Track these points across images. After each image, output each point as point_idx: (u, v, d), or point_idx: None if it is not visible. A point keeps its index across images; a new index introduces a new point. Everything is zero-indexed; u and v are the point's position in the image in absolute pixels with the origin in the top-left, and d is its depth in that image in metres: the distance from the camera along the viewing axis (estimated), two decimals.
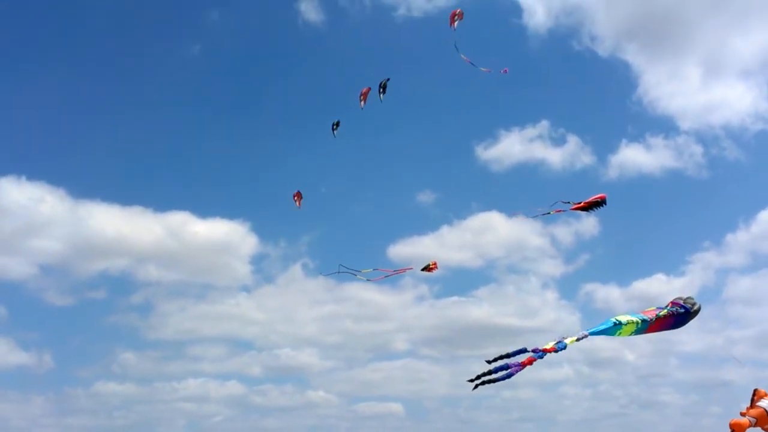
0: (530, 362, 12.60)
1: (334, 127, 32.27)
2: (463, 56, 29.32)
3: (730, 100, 59.88)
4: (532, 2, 65.35)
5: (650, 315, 14.29)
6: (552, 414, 60.43)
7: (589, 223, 59.27)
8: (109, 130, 71.59)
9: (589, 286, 61.10)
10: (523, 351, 12.64)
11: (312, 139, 68.58)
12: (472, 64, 29.49)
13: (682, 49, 61.56)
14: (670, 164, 59.65)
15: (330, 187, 66.81)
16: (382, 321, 63.95)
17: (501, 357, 12.53)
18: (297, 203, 33.06)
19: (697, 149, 59.81)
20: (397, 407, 60.62)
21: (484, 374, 12.59)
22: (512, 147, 63.78)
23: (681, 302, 14.84)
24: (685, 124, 60.17)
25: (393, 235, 67.09)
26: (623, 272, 63.22)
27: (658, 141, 60.58)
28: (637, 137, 62.57)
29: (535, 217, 22.95)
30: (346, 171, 68.29)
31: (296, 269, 65.13)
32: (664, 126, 61.10)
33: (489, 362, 12.60)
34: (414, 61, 68.22)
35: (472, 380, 12.65)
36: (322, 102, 69.35)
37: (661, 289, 56.56)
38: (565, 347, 12.95)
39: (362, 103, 31.76)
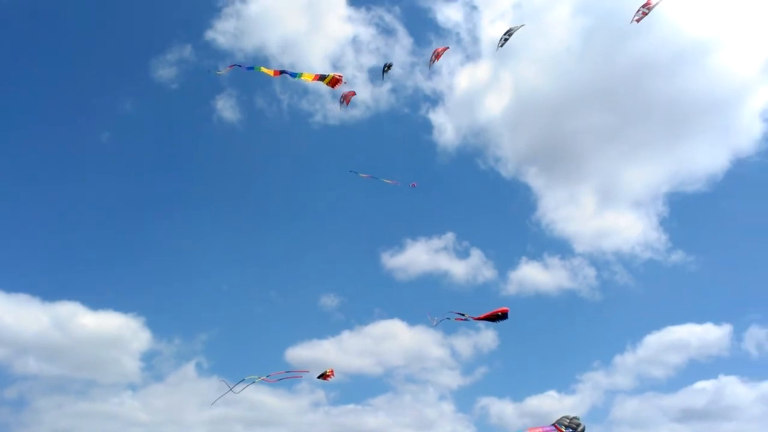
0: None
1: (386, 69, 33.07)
2: (362, 174, 31.48)
3: (621, 228, 64.76)
4: (442, 121, 70.00)
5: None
6: None
7: (488, 336, 61.74)
8: None
9: (485, 400, 62.13)
10: None
11: (216, 235, 69.26)
12: (375, 177, 31.70)
13: (578, 177, 66.94)
14: (565, 284, 63.36)
15: (232, 284, 66.76)
16: (275, 426, 62.46)
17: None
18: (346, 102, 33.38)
19: (591, 272, 63.76)
20: None
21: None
22: (418, 257, 66.28)
23: (567, 422, 16.62)
24: (579, 247, 64.39)
25: (293, 338, 67.07)
26: (518, 387, 64.91)
27: (555, 261, 64.37)
28: (535, 256, 66.14)
29: (440, 320, 24.15)
30: (250, 269, 68.60)
31: (189, 368, 63.19)
32: (561, 247, 65.22)
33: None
34: (327, 168, 71.04)
35: None
36: (229, 198, 70.93)
37: (553, 407, 58.29)
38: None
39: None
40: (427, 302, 65.29)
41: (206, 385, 59.72)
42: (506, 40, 31.65)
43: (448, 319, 22.32)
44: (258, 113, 72.59)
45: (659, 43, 60.61)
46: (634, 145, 64.09)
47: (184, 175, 74.50)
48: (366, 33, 70.94)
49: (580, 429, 16.59)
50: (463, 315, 22.31)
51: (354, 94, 32.80)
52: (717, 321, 57.12)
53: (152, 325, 60.28)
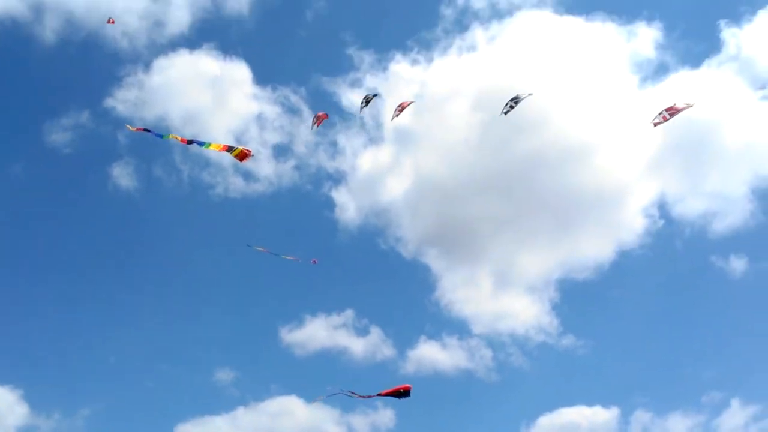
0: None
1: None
2: (259, 248, 32.08)
3: (516, 311, 66.93)
4: (345, 199, 70.52)
5: None
6: None
7: (386, 415, 61.91)
8: None
9: None
10: None
11: (105, 303, 67.25)
12: (274, 253, 32.32)
13: (476, 260, 69.25)
14: (462, 364, 64.52)
15: (120, 356, 64.54)
16: None
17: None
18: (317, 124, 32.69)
19: (487, 353, 65.37)
20: None
21: None
22: (317, 333, 66.35)
23: None
24: (477, 328, 65.99)
25: (184, 414, 65.15)
26: None
27: (453, 341, 65.69)
28: (434, 335, 67.29)
29: (333, 394, 24.85)
30: (140, 341, 66.53)
31: None
32: (459, 328, 66.56)
33: None
34: (226, 241, 70.75)
35: None
36: (122, 267, 69.42)
37: None
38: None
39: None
40: (326, 379, 64.93)
41: None
42: (512, 107, 33.52)
43: (352, 395, 22.54)
44: (156, 182, 71.67)
45: (550, 142, 64.86)
46: (528, 233, 67.29)
47: (73, 240, 71.89)
48: (271, 111, 72.13)
49: None
50: (354, 393, 22.66)
51: (326, 116, 33.70)
52: (605, 404, 59.31)
53: (30, 398, 57.08)
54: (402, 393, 22.05)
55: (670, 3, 73.32)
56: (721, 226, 61.83)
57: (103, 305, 66.77)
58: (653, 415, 58.46)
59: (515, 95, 33.14)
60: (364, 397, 22.68)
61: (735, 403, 56.65)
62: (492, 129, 65.39)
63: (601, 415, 56.90)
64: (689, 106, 28.73)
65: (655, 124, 29.07)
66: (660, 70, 71.24)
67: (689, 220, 63.46)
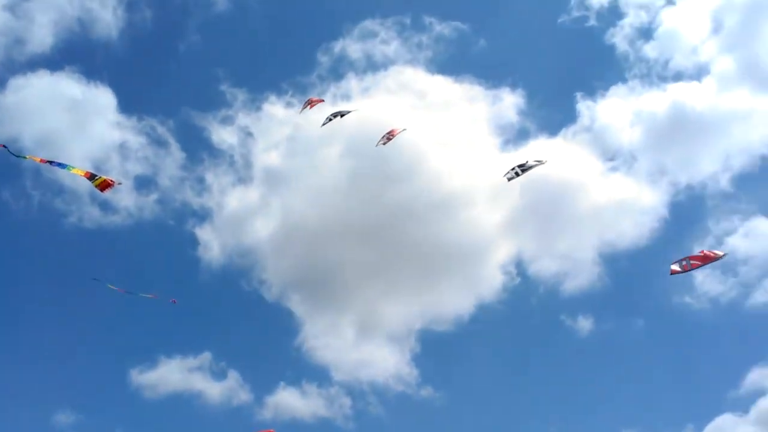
0: None
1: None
2: (111, 286, 30.43)
3: (377, 361, 67.15)
4: (209, 237, 68.98)
5: None
6: None
7: None
8: None
9: None
10: None
11: None
12: (129, 292, 30.65)
13: (340, 307, 69.12)
14: (321, 412, 63.64)
15: None
16: None
17: None
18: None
19: (347, 401, 64.91)
20: None
21: None
22: (171, 375, 63.32)
23: None
24: (337, 376, 65.55)
25: None
26: None
27: (312, 388, 64.76)
28: (294, 382, 66.16)
29: None
30: None
31: None
32: (319, 375, 65.90)
33: None
34: (78, 273, 66.63)
35: None
36: None
37: None
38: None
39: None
40: (177, 423, 61.56)
41: None
42: (517, 174, 30.51)
43: None
44: (2, 206, 66.65)
45: (418, 194, 66.81)
46: (392, 283, 68.09)
47: None
48: (135, 141, 69.58)
49: None
50: None
51: (322, 101, 32.52)
52: None
53: None
54: None
55: (534, 72, 78.34)
56: (571, 286, 65.48)
57: None
58: None
59: (526, 161, 31.02)
60: None
61: None
62: (362, 177, 66.58)
63: None
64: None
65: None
66: (521, 135, 75.29)
67: (543, 279, 66.77)
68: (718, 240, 64.01)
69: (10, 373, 63.21)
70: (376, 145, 32.07)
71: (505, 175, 30.33)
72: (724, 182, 66.23)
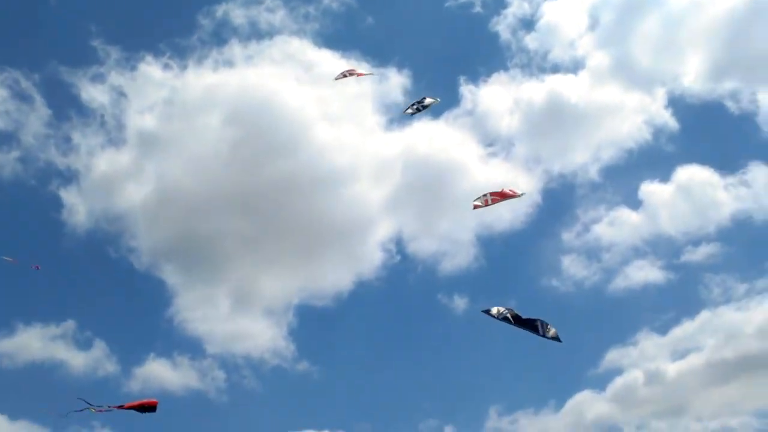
0: None
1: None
2: None
3: (253, 334, 66.01)
4: (74, 201, 64.97)
5: None
6: None
7: None
8: None
9: None
10: None
11: None
12: None
13: (216, 279, 67.20)
14: (193, 384, 61.94)
15: None
16: None
17: None
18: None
19: (220, 374, 63.51)
20: None
21: None
22: (30, 343, 59.33)
23: None
24: (211, 349, 64.00)
25: None
26: None
27: (184, 360, 62.86)
28: (165, 353, 64.01)
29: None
30: None
31: None
32: (192, 347, 64.09)
33: None
34: None
35: None
36: None
37: None
38: None
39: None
40: (37, 394, 57.66)
41: None
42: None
43: (90, 408, 19.61)
44: None
45: (301, 168, 65.81)
46: (271, 256, 66.88)
47: None
48: None
49: None
50: (92, 406, 19.82)
51: (362, 74, 31.09)
52: (333, 427, 60.15)
53: None
54: (147, 407, 19.97)
55: (420, 53, 78.59)
56: (449, 266, 66.96)
57: None
58: None
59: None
60: (102, 410, 20.03)
61: (448, 429, 60.88)
62: (244, 147, 64.82)
63: None
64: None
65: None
66: (405, 115, 76.07)
67: (422, 258, 67.85)
68: (585, 227, 67.71)
69: None
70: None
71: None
72: (593, 173, 69.82)
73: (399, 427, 63.10)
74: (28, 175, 64.81)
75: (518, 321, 24.05)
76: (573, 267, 66.31)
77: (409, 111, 30.92)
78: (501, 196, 28.16)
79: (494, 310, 24.14)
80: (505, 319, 24.26)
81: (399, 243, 67.61)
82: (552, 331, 23.90)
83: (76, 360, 58.67)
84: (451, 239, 67.83)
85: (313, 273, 67.21)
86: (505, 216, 67.45)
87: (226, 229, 65.08)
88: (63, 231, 63.92)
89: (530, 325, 24.03)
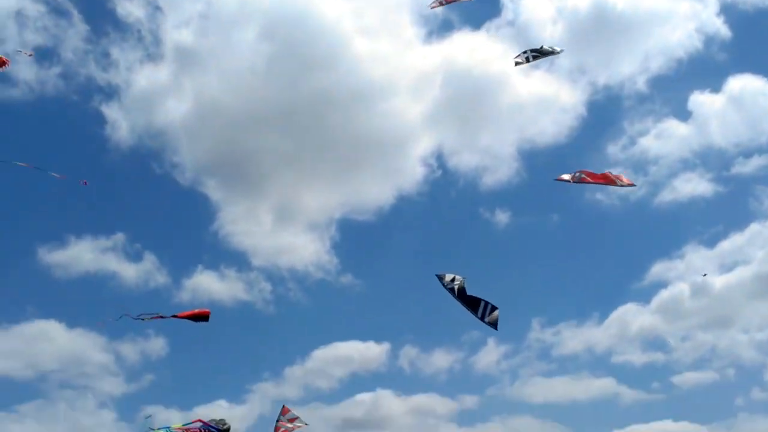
0: None
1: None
2: (18, 163, 27.94)
3: (297, 247, 67.04)
4: (116, 116, 64.77)
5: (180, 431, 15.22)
6: None
7: (157, 344, 59.17)
8: None
9: (151, 409, 59.11)
10: None
11: None
12: (40, 169, 28.22)
13: (258, 194, 67.80)
14: (241, 296, 63.53)
15: None
16: None
17: None
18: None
19: (266, 286, 64.97)
20: None
21: None
22: (82, 255, 61.17)
23: (215, 422, 16.09)
24: (256, 261, 65.27)
25: None
26: (187, 396, 63.43)
27: (231, 273, 64.32)
28: (212, 266, 65.59)
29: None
30: None
31: None
32: (238, 260, 65.53)
33: None
34: None
35: None
36: None
37: (222, 416, 57.54)
38: None
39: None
40: (92, 304, 60.15)
41: None
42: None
43: (141, 319, 20.17)
44: None
45: (339, 82, 64.52)
46: (311, 171, 66.84)
47: None
48: (33, 9, 62.60)
49: (225, 427, 16.08)
50: (146, 315, 20.34)
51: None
52: (377, 339, 61.56)
53: None
54: (200, 317, 20.33)
55: None
56: (490, 180, 66.18)
57: None
58: (419, 350, 61.87)
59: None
60: (156, 317, 20.50)
61: (491, 341, 61.66)
62: (280, 61, 63.49)
63: (374, 349, 58.85)
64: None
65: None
66: (444, 27, 74.00)
67: (463, 173, 67.11)
68: (631, 140, 65.89)
69: None
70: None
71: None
72: (641, 84, 67.44)
73: (441, 338, 64.17)
74: (70, 90, 64.98)
75: (461, 296, 22.54)
76: None
77: (519, 60, 27.30)
78: (595, 178, 26.05)
79: (448, 277, 22.96)
80: (451, 290, 22.76)
81: (440, 157, 66.82)
82: (494, 315, 22.06)
83: (128, 271, 60.49)
84: (492, 153, 66.78)
85: (354, 188, 67.26)
86: (548, 130, 65.99)
87: (266, 145, 65.03)
88: (107, 147, 64.68)
89: (473, 304, 22.37)
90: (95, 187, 62.98)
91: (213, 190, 64.70)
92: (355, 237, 68.80)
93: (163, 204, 69.13)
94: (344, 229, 66.42)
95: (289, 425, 16.14)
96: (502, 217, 66.13)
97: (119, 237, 60.97)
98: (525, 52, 27.20)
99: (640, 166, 65.15)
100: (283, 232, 66.63)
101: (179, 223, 69.52)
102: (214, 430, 15.85)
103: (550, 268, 64.45)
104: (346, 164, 66.20)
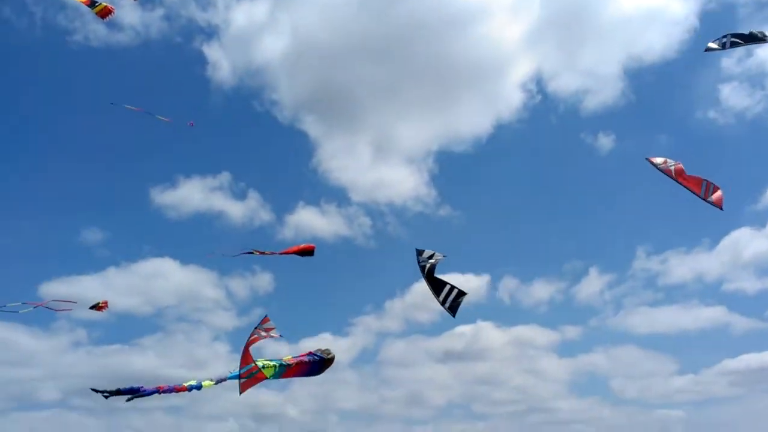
0: (163, 390, 12.85)
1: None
2: (128, 107, 28.83)
3: (395, 182, 67.26)
4: (218, 56, 66.04)
5: (288, 360, 15.70)
6: None
7: (264, 279, 61.63)
8: None
9: (261, 342, 62.04)
10: (155, 392, 12.84)
11: None
12: (149, 113, 29.15)
13: (355, 128, 68.00)
14: (341, 231, 64.82)
15: None
16: (27, 366, 57.55)
17: (128, 392, 12.58)
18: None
19: (366, 221, 65.85)
20: None
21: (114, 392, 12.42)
22: (192, 195, 63.84)
23: (320, 351, 16.52)
24: (355, 197, 66.02)
25: (48, 272, 62.01)
26: (293, 330, 66.01)
27: (331, 208, 65.50)
28: (313, 202, 66.98)
29: (241, 254, 22.33)
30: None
31: None
32: (337, 195, 66.46)
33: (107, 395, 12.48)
34: (87, 94, 65.14)
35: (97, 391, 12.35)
36: None
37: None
38: (200, 388, 13.54)
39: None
40: (202, 242, 63.35)
41: None
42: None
43: (250, 253, 20.99)
44: (4, 24, 63.70)
45: (433, 7, 62.74)
46: (407, 103, 66.27)
47: None
48: None
49: (330, 356, 16.55)
50: (256, 251, 21.10)
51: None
52: (477, 271, 61.64)
53: None
54: (305, 252, 20.82)
55: None
56: (592, 103, 63.41)
57: None
58: (519, 281, 61.59)
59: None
60: (265, 253, 21.19)
61: (593, 271, 60.48)
62: None
63: (473, 281, 58.90)
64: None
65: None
66: None
67: (564, 96, 64.57)
68: (748, 51, 60.87)
69: (34, 193, 64.32)
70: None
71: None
72: None
73: (542, 269, 63.47)
74: (173, 32, 66.64)
75: (429, 277, 20.71)
76: (733, 96, 61.07)
77: (714, 46, 22.91)
78: (692, 183, 21.65)
79: (426, 253, 21.50)
80: (422, 267, 20.64)
81: (539, 82, 64.34)
82: (457, 301, 19.99)
83: (234, 209, 62.84)
84: (596, 74, 63.56)
85: (451, 118, 66.21)
86: (655, 45, 62.13)
87: (363, 77, 64.70)
88: (209, 87, 66.38)
89: (437, 288, 20.40)
90: (201, 127, 65.16)
91: (311, 125, 65.54)
92: (453, 168, 68.31)
93: (264, 142, 70.83)
94: (442, 161, 65.99)
95: (264, 334, 16.42)
96: (605, 141, 63.56)
97: (225, 176, 63.24)
98: (725, 37, 22.82)
99: (756, 80, 60.71)
100: (381, 166, 66.97)
101: (280, 160, 71.15)
102: (318, 358, 16.22)
103: (656, 193, 61.73)
104: (442, 93, 65.14)
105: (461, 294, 20.10)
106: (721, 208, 21.06)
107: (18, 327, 53.30)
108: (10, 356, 54.72)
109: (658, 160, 21.63)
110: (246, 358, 15.39)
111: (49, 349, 56.68)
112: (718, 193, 20.95)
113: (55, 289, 53.20)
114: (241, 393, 14.42)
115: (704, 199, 20.96)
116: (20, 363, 55.49)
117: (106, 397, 12.04)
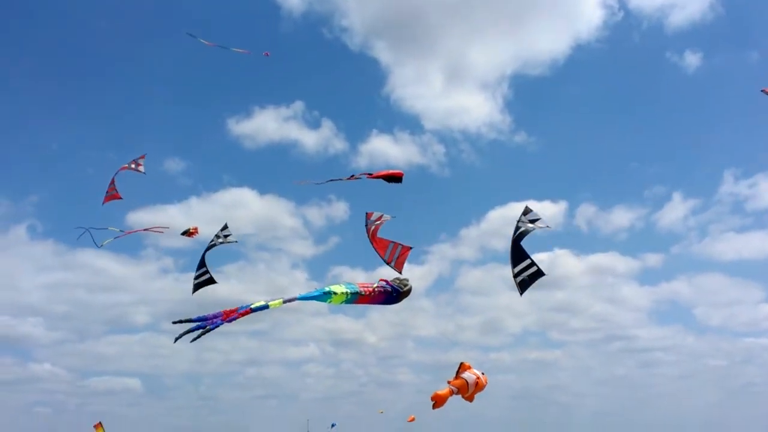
0: (232, 316, 12.18)
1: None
2: (203, 41, 28.00)
3: (468, 108, 65.11)
4: None
5: (362, 288, 14.58)
6: (295, 391, 61.50)
7: (339, 208, 61.35)
8: None
9: (338, 269, 62.95)
10: (218, 316, 12.11)
11: (43, 92, 62.30)
12: (222, 47, 28.38)
13: (427, 54, 66.01)
14: (415, 159, 63.58)
15: (62, 143, 61.33)
16: (120, 292, 60.10)
17: (196, 320, 11.86)
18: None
19: (439, 149, 64.23)
20: (134, 383, 57.58)
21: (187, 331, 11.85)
22: (267, 125, 63.54)
23: (398, 282, 15.34)
24: (428, 125, 64.62)
25: (133, 202, 63.36)
26: (369, 258, 65.70)
27: (405, 136, 64.12)
28: (386, 130, 65.89)
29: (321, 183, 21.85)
30: (82, 128, 63.24)
31: (20, 231, 58.51)
32: (410, 123, 65.44)
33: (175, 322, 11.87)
34: (164, 26, 65.03)
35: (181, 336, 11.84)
36: (56, 57, 63.47)
37: (404, 276, 59.19)
38: (267, 308, 12.72)
39: None
40: (279, 171, 63.77)
41: (41, 249, 55.39)
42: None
43: (340, 180, 20.13)
44: None
45: None
46: (479, 24, 63.53)
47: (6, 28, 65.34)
48: None
49: (407, 288, 15.35)
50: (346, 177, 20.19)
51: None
52: (554, 198, 59.58)
53: None
54: (393, 178, 19.70)
55: None
56: (678, 19, 58.95)
57: (42, 93, 62.25)
58: (598, 208, 58.84)
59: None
60: (354, 178, 20.11)
61: (676, 196, 57.01)
62: None
63: (550, 209, 57.47)
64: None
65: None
66: None
67: (647, 13, 60.23)
68: None
69: (120, 125, 65.42)
70: None
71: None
72: None
73: (622, 195, 60.57)
74: None
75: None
76: None
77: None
78: None
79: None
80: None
81: None
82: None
83: (308, 138, 62.23)
84: None
85: (526, 39, 63.03)
86: None
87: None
88: (279, 14, 65.06)
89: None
90: (272, 57, 63.87)
91: (382, 52, 63.81)
92: (528, 93, 65.41)
93: (335, 70, 69.58)
94: (517, 86, 63.16)
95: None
96: (692, 59, 59.23)
97: (298, 105, 62.63)
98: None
99: None
100: (453, 92, 64.83)
101: (352, 88, 69.96)
102: (393, 288, 14.94)
103: (746, 114, 57.27)
104: (516, 13, 61.95)
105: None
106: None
107: (108, 255, 55.08)
108: (104, 282, 56.98)
109: (386, 216, 20.73)
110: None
111: (138, 276, 58.90)
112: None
113: (141, 218, 54.81)
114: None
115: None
116: (113, 289, 57.77)
117: (176, 339, 11.28)
